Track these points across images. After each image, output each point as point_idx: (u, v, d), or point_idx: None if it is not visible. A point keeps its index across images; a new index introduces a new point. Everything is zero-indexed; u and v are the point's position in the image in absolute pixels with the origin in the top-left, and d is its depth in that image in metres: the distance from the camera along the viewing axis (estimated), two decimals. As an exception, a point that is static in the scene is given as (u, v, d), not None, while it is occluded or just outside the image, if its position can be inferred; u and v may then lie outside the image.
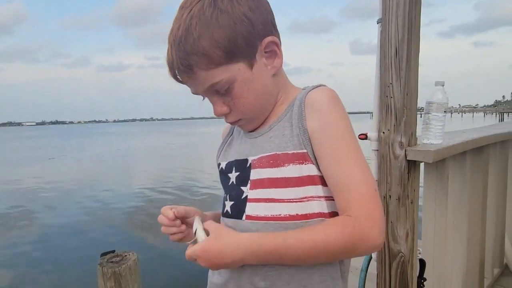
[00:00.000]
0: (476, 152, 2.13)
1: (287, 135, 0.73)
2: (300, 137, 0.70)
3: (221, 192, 0.88)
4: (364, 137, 1.41)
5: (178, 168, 14.27)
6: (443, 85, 1.37)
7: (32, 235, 5.78)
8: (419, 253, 1.56)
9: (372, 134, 1.37)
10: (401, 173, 1.29)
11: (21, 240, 5.52)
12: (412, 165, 1.30)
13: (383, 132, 1.32)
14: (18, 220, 6.66)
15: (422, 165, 1.51)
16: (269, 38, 0.71)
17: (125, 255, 2.35)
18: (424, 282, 1.66)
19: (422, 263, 1.65)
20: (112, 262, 2.26)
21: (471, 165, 2.06)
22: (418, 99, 1.31)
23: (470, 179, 2.09)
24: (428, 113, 1.38)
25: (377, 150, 1.37)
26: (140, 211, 7.31)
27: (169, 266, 4.42)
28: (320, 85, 0.76)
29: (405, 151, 1.27)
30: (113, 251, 2.48)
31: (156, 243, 5.32)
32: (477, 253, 2.29)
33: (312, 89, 0.74)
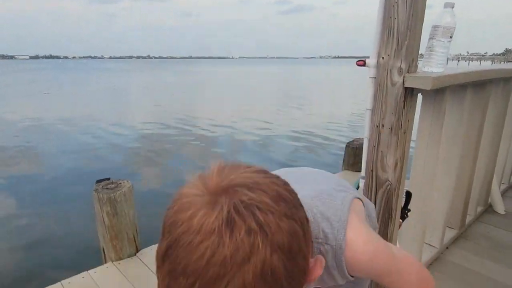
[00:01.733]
0: (477, 87, 2.07)
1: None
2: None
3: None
4: (362, 63, 1.34)
5: (175, 108, 14.16)
6: (452, 7, 1.27)
7: (30, 169, 5.88)
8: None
9: (371, 60, 1.30)
10: (397, 101, 1.24)
11: (19, 173, 5.64)
12: (409, 93, 1.25)
13: (382, 58, 1.25)
14: (15, 154, 6.74)
15: (419, 96, 1.46)
16: None
17: (120, 183, 2.40)
18: (408, 213, 1.71)
19: (408, 194, 1.68)
20: (107, 188, 2.32)
21: (470, 100, 2.02)
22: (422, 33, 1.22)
23: (468, 114, 2.06)
24: (432, 39, 1.30)
25: (374, 77, 1.31)
26: (137, 148, 7.39)
27: (163, 199, 4.59)
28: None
29: (404, 77, 1.21)
30: (108, 179, 2.53)
31: (149, 178, 5.46)
32: (464, 190, 2.35)
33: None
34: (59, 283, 2.03)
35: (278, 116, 11.86)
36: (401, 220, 1.67)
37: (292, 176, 0.86)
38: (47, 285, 2.00)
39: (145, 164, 6.25)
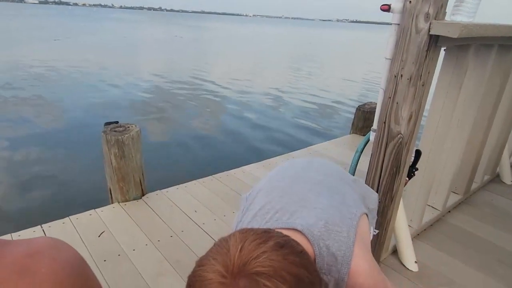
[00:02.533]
0: (503, 49, 1.96)
1: None
2: None
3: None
4: (387, 8, 1.26)
5: (187, 62, 13.93)
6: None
7: (40, 114, 5.93)
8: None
9: (397, 4, 1.22)
10: (420, 49, 1.18)
11: (29, 117, 5.69)
12: (434, 42, 1.18)
13: (410, 1, 1.17)
14: (26, 99, 6.77)
15: (442, 52, 1.39)
16: None
17: (128, 127, 2.40)
18: (415, 172, 1.70)
19: (418, 153, 1.65)
20: (115, 131, 2.33)
21: (493, 63, 1.92)
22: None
23: (489, 78, 1.97)
24: (466, -16, 1.21)
25: (398, 24, 1.24)
26: (146, 99, 7.37)
27: (169, 149, 4.64)
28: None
29: (430, 24, 1.14)
30: (117, 122, 2.53)
31: (157, 128, 5.49)
32: (473, 156, 2.31)
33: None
34: (67, 218, 2.10)
35: (289, 77, 11.64)
36: (407, 178, 1.66)
37: (298, 187, 0.85)
38: (56, 220, 2.07)
39: (154, 115, 6.26)
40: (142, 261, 1.79)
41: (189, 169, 4.08)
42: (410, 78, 1.22)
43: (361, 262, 0.76)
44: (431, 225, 2.12)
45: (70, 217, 2.11)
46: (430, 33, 1.14)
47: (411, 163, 1.54)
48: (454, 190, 2.40)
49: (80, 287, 0.61)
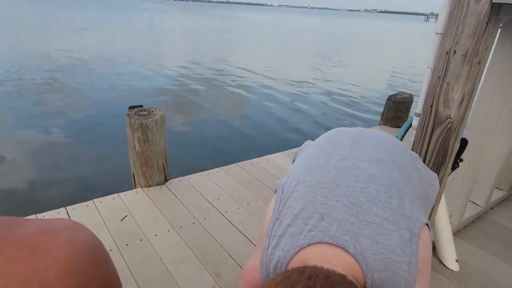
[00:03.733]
0: None
1: None
2: None
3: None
4: (439, -26, 1.11)
5: (213, 52, 13.89)
6: None
7: (67, 100, 6.06)
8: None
9: (451, -30, 1.07)
10: (479, 21, 1.03)
11: (56, 104, 5.81)
12: (496, 12, 1.03)
13: (468, -35, 1.02)
14: (54, 89, 6.93)
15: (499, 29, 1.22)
16: None
17: (152, 111, 2.35)
18: (459, 163, 1.54)
19: (464, 142, 1.50)
20: (139, 115, 2.28)
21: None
22: None
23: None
24: None
25: (453, -7, 1.09)
26: (171, 87, 7.39)
27: (193, 137, 4.61)
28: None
29: (493, -10, 0.99)
30: (141, 106, 2.49)
31: (182, 115, 5.47)
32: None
33: None
34: (91, 201, 2.08)
35: (316, 67, 11.38)
36: (450, 170, 1.52)
37: (346, 185, 0.69)
38: (80, 202, 2.06)
39: (179, 103, 6.26)
40: (164, 247, 1.74)
41: (213, 157, 4.03)
42: (465, 54, 1.08)
43: None
44: (472, 222, 1.96)
45: (94, 200, 2.09)
46: (493, 0, 0.99)
47: (456, 150, 1.39)
48: (498, 185, 2.21)
49: (95, 271, 0.55)
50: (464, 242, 1.80)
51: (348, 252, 0.60)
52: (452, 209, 1.76)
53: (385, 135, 0.86)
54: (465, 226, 1.92)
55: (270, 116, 5.81)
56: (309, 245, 0.63)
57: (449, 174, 1.51)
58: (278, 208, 0.71)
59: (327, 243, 0.62)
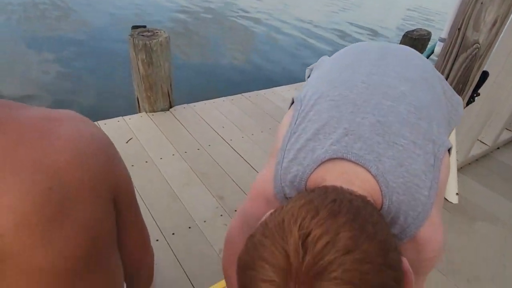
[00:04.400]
0: None
1: None
2: None
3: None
4: None
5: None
6: None
7: (70, 25, 5.78)
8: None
9: None
10: None
11: (59, 28, 5.56)
12: None
13: None
14: (55, 11, 6.57)
15: None
16: None
17: (156, 32, 2.23)
18: (476, 98, 1.48)
19: (484, 75, 1.42)
20: (143, 35, 2.17)
21: None
22: None
23: None
24: None
25: None
26: (178, 18, 7.01)
27: (199, 67, 4.48)
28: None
29: None
30: (144, 26, 2.36)
31: (188, 46, 5.26)
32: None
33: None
34: (95, 123, 2.07)
35: (329, 2, 10.67)
36: (465, 104, 1.46)
37: (375, 101, 0.62)
38: (85, 123, 2.05)
39: (185, 30, 5.99)
40: (169, 170, 1.77)
41: (218, 86, 3.95)
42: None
43: (433, 234, 0.61)
44: (477, 160, 1.95)
45: (98, 122, 2.08)
46: None
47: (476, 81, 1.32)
48: (508, 126, 2.17)
49: (102, 163, 0.53)
50: (467, 178, 1.81)
51: (370, 172, 0.57)
52: (460, 145, 1.74)
53: (412, 51, 0.78)
54: (469, 163, 1.92)
55: (279, 50, 5.59)
56: (330, 159, 0.59)
57: (463, 109, 1.46)
58: (296, 122, 0.66)
59: (349, 160, 0.58)
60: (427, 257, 0.62)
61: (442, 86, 0.77)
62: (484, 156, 2.00)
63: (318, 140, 0.61)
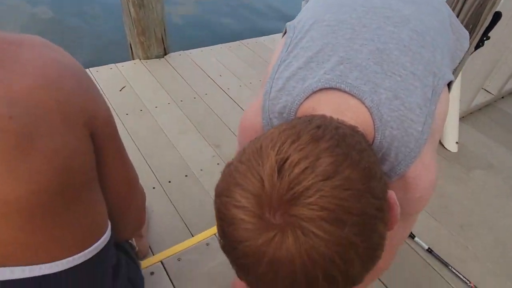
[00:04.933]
0: None
1: None
2: None
3: None
4: None
5: None
6: None
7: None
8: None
9: None
10: None
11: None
12: None
13: None
14: None
15: None
16: None
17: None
18: (485, 41, 1.40)
19: (497, 16, 1.33)
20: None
21: None
22: None
23: None
24: None
25: None
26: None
27: (194, 11, 4.26)
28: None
29: None
30: (133, -35, 2.19)
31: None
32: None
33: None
34: (87, 69, 2.00)
35: None
36: (473, 48, 1.39)
37: (375, 26, 0.56)
38: (76, 71, 1.98)
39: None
40: (164, 118, 1.73)
41: (215, 33, 3.78)
42: None
43: (423, 173, 0.58)
44: (480, 109, 1.91)
45: (90, 69, 2.00)
46: None
47: (488, 23, 1.24)
48: (516, 74, 2.09)
49: (71, 90, 0.49)
50: (468, 127, 1.79)
51: (364, 104, 0.53)
52: (463, 93, 1.69)
53: None
54: (472, 113, 1.88)
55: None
56: (322, 89, 0.55)
57: (471, 54, 1.39)
58: (287, 50, 0.60)
59: (343, 90, 0.54)
60: (416, 196, 0.60)
61: (450, 16, 0.70)
62: (487, 106, 1.95)
63: (310, 69, 0.56)
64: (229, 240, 0.38)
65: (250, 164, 0.38)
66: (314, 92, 0.55)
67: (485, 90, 1.93)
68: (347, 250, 0.34)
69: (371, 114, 0.53)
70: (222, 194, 0.39)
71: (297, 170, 0.35)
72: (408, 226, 0.71)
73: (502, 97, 2.04)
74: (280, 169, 0.36)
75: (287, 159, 0.36)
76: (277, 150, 0.37)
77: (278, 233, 0.34)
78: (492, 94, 1.92)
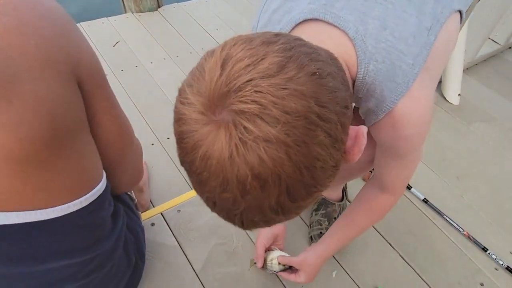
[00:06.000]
0: None
1: None
2: None
3: None
4: None
5: None
6: None
7: None
8: None
9: None
10: None
11: None
12: None
13: None
14: None
15: None
16: None
17: None
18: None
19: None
20: None
21: None
22: None
23: None
24: None
25: None
26: None
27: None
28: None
29: None
30: None
31: None
32: None
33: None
34: (78, 24, 1.92)
35: None
36: (482, -7, 1.31)
37: None
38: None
39: None
40: (160, 74, 1.70)
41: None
42: None
43: (413, 109, 0.54)
44: (485, 60, 1.85)
45: (81, 23, 1.93)
46: None
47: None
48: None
49: (53, 33, 0.46)
50: (471, 78, 1.74)
51: (348, 35, 0.50)
52: (469, 43, 1.63)
53: None
54: (476, 64, 1.83)
55: None
56: (305, 21, 0.52)
57: (478, 0, 1.32)
58: None
59: (326, 22, 0.50)
60: (405, 134, 0.57)
61: None
62: (493, 57, 1.89)
63: (296, 0, 0.53)
64: (176, 140, 0.38)
65: (199, 63, 0.38)
66: (298, 25, 0.52)
67: (492, 40, 1.86)
68: (277, 149, 0.32)
69: (354, 46, 0.50)
70: (177, 94, 0.40)
71: (238, 66, 0.34)
72: (407, 165, 0.69)
73: (510, 48, 1.97)
74: (223, 65, 0.35)
75: (232, 56, 0.35)
76: (226, 49, 0.36)
77: (214, 128, 0.33)
78: (499, 44, 1.85)
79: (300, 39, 0.39)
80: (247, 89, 0.33)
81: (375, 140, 0.67)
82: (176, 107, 0.38)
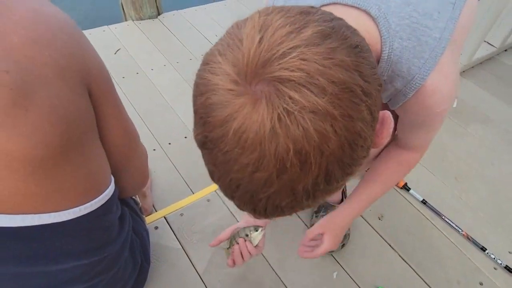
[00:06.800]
0: None
1: None
2: None
3: None
4: None
5: None
6: None
7: None
8: None
9: None
10: None
11: None
12: None
13: None
14: None
15: None
16: None
17: None
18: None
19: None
20: None
21: None
22: None
23: None
24: None
25: None
26: None
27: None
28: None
29: None
30: None
31: None
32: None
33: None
34: (80, 33, 1.95)
35: None
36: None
37: None
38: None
39: None
40: (161, 80, 1.72)
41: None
42: None
43: (442, 84, 0.52)
44: (481, 63, 1.88)
45: (83, 31, 1.96)
46: None
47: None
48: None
49: (65, 43, 0.49)
50: (468, 81, 1.77)
51: (370, 15, 0.48)
52: (464, 46, 1.65)
53: None
54: (473, 67, 1.85)
55: None
56: (323, 6, 0.50)
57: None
58: None
59: (345, 4, 0.49)
60: (435, 111, 0.56)
61: None
62: (489, 59, 1.92)
63: None
64: (200, 115, 0.34)
65: (232, 30, 0.35)
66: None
67: (488, 42, 1.89)
68: (323, 121, 0.30)
69: (377, 25, 0.48)
70: (203, 63, 0.36)
71: (279, 32, 0.31)
72: (434, 130, 0.68)
73: (505, 50, 2.00)
74: (261, 30, 0.32)
75: (271, 23, 0.32)
76: (263, 16, 0.34)
77: (251, 99, 0.30)
78: (495, 46, 1.88)
79: (334, 17, 0.37)
80: (292, 56, 0.30)
81: (401, 120, 0.67)
82: (202, 78, 0.34)
